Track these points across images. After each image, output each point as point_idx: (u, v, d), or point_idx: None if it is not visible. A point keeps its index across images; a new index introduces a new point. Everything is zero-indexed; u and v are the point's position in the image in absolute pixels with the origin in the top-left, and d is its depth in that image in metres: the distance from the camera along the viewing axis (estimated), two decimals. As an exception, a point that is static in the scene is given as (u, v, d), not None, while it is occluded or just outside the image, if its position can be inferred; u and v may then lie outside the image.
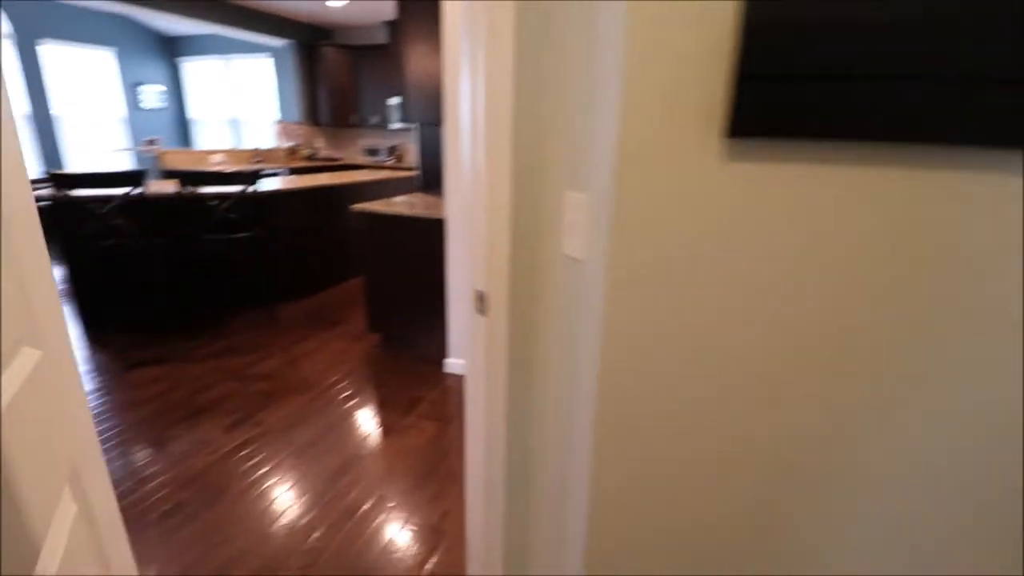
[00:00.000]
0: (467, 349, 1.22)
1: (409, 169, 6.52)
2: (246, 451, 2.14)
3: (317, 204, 4.07)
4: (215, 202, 3.16)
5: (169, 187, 3.31)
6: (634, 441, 0.80)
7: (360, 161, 7.08)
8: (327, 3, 5.64)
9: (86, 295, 3.07)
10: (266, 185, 3.83)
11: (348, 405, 2.50)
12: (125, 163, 6.65)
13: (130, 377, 2.73)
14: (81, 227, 3.00)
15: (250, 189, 3.20)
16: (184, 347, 3.10)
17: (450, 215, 2.60)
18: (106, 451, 2.12)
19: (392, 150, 7.00)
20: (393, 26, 6.34)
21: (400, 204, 2.96)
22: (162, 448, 2.14)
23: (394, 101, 6.55)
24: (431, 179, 3.49)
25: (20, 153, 0.75)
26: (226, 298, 3.82)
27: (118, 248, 3.03)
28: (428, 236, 2.75)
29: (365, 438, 2.26)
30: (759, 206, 0.66)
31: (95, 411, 2.39)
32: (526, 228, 1.04)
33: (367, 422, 2.37)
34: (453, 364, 2.85)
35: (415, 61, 2.79)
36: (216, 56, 7.93)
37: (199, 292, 3.45)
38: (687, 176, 0.67)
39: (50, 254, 0.80)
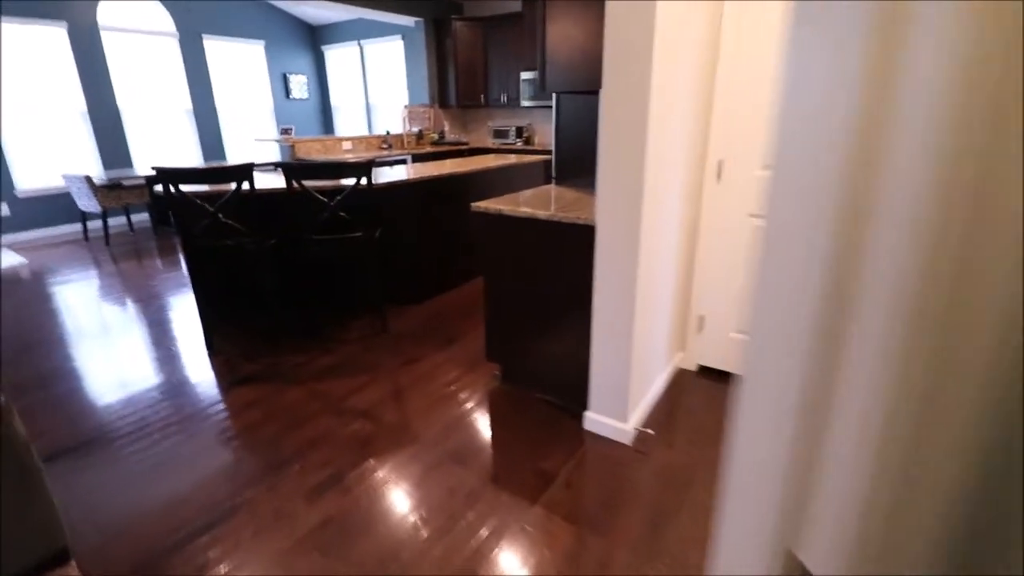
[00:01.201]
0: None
1: (541, 152, 5.84)
2: (326, 534, 1.63)
3: (437, 196, 3.55)
4: (324, 199, 2.75)
5: (279, 182, 2.98)
6: None
7: (488, 144, 6.57)
8: (457, -32, 5.08)
9: (202, 296, 2.87)
10: (382, 176, 3.39)
11: (453, 478, 1.90)
12: (268, 153, 6.88)
13: (229, 399, 2.44)
14: (195, 225, 2.77)
15: (363, 182, 2.73)
16: (289, 362, 2.77)
17: (605, 219, 1.84)
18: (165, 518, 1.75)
19: (521, 131, 6.37)
20: (527, -11, 5.64)
21: (530, 201, 2.27)
22: (230, 516, 1.72)
23: (527, 76, 5.87)
24: (568, 166, 2.74)
25: None
26: (338, 302, 3.49)
27: (228, 248, 2.76)
28: (568, 246, 2.03)
29: (466, 547, 1.63)
30: None
31: (183, 445, 2.09)
32: None
33: (474, 516, 1.74)
34: (596, 421, 2.12)
35: (558, 17, 2.03)
36: (353, 42, 7.92)
37: (309, 296, 3.13)
38: None
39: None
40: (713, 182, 2.31)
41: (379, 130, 8.09)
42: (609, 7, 1.61)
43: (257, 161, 6.60)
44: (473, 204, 2.25)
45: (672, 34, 1.69)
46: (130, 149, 6.41)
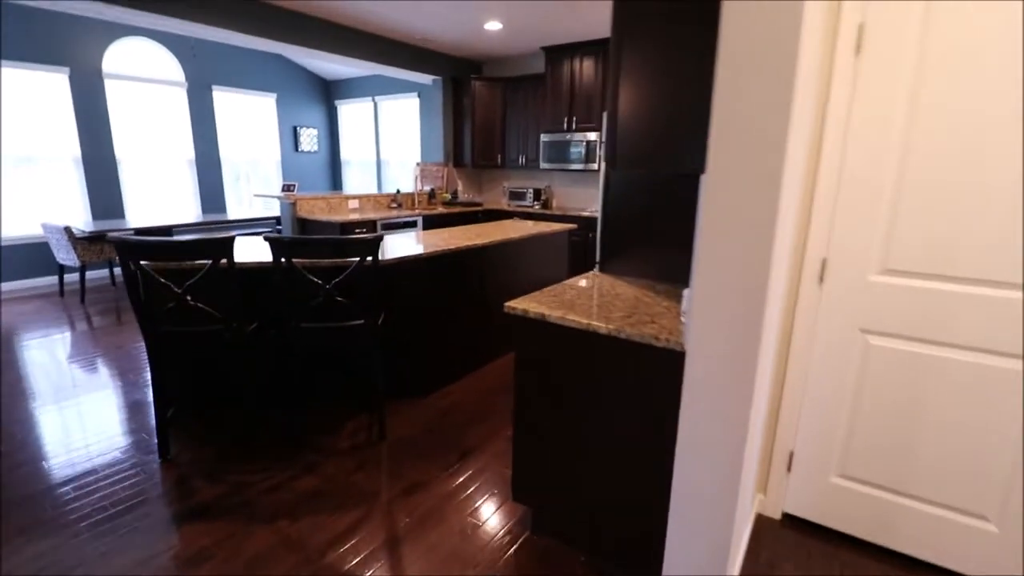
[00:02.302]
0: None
1: (560, 218, 5.44)
2: None
3: (451, 269, 3.07)
4: (319, 280, 2.26)
5: (265, 253, 2.51)
6: None
7: (503, 205, 6.20)
8: (484, 26, 4.86)
9: (160, 391, 2.32)
10: (388, 245, 2.92)
11: None
12: (268, 209, 6.52)
13: (174, 540, 1.84)
14: (157, 306, 2.28)
15: (368, 260, 2.25)
16: (260, 482, 2.19)
17: (704, 343, 1.32)
18: None
19: (539, 193, 6.01)
20: (552, 53, 5.44)
21: (579, 303, 1.77)
22: None
23: (547, 137, 5.57)
24: (615, 250, 2.26)
25: None
26: (328, 398, 2.93)
27: (196, 337, 2.25)
28: (639, 370, 1.51)
29: None
30: None
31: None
32: None
33: None
34: (669, 616, 1.52)
35: (636, 80, 1.61)
36: (368, 98, 7.75)
37: (293, 392, 2.59)
38: None
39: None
40: (812, 286, 1.82)
41: (389, 187, 7.79)
42: (724, 63, 1.16)
43: (256, 216, 6.23)
44: (507, 305, 1.74)
45: (799, 100, 1.24)
46: (124, 199, 6.04)
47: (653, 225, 2.11)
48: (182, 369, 2.72)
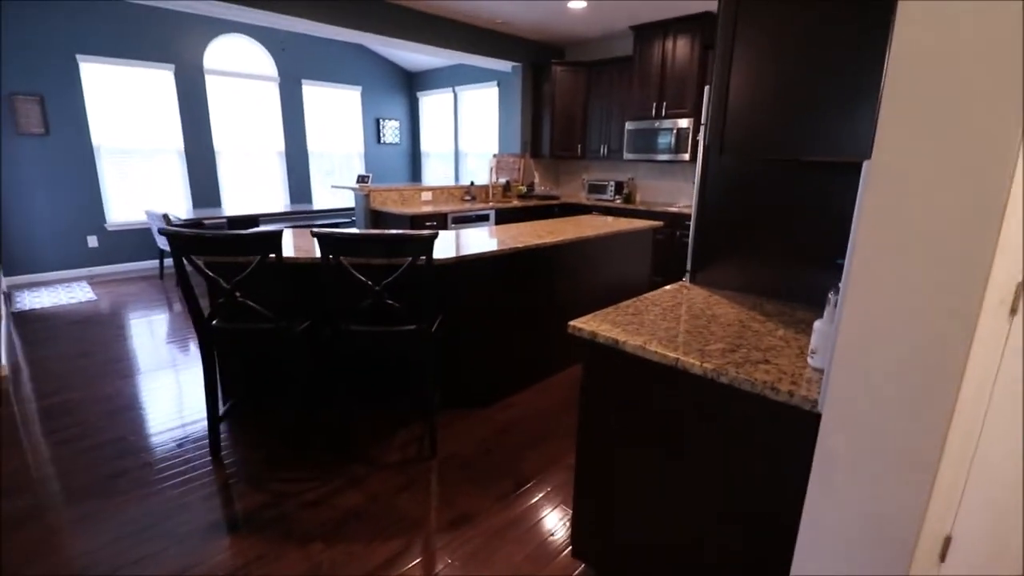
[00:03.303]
0: None
1: (644, 214, 4.97)
2: None
3: (518, 270, 2.79)
4: (369, 281, 2.07)
5: (315, 252, 2.37)
6: None
7: (581, 199, 5.82)
8: (568, 5, 4.50)
9: (212, 391, 2.25)
10: (452, 240, 2.69)
11: None
12: (345, 199, 6.60)
13: (211, 551, 1.73)
14: (211, 301, 2.20)
15: (421, 259, 2.03)
16: (303, 493, 2.04)
17: (851, 401, 0.93)
18: None
19: (620, 187, 5.56)
20: (641, 32, 4.95)
21: (662, 325, 1.41)
22: None
23: (632, 125, 5.10)
24: (714, 252, 1.85)
25: None
26: (381, 404, 2.76)
27: (246, 334, 2.15)
28: (748, 423, 1.13)
29: None
30: None
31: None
32: None
33: None
34: None
35: (749, 64, 1.21)
36: (448, 88, 7.65)
37: (345, 394, 2.44)
38: None
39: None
40: (1000, 317, 1.32)
41: (467, 179, 7.67)
42: (906, 9, 0.76)
43: (338, 207, 6.34)
44: (571, 324, 1.42)
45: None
46: (220, 189, 6.38)
47: (761, 228, 1.69)
48: (235, 365, 2.67)
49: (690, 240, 1.89)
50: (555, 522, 1.92)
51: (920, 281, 0.82)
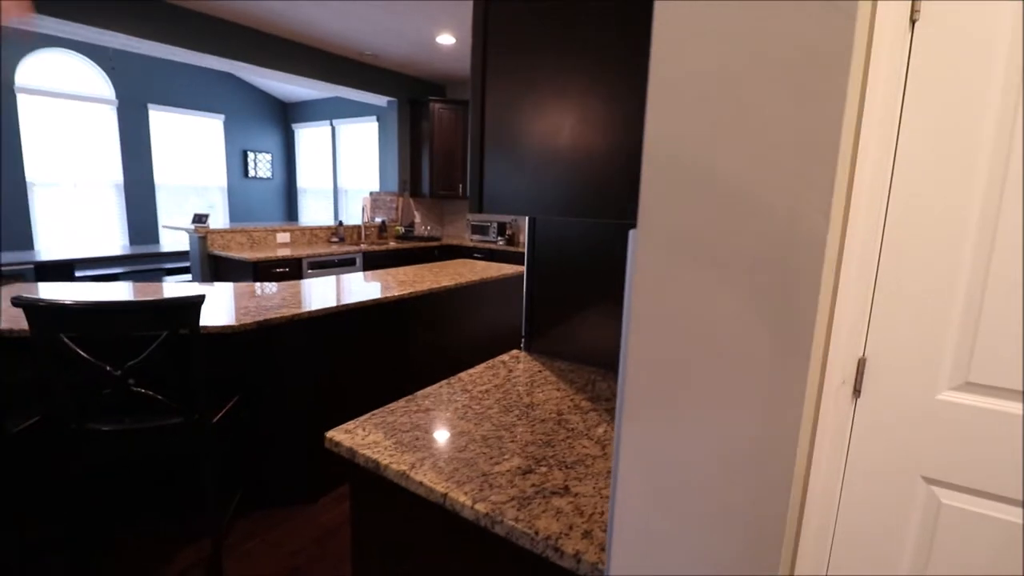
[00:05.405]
0: None
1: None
2: None
3: (358, 329, 2.36)
4: (112, 360, 1.54)
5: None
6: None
7: (466, 240, 5.54)
8: (437, 40, 4.29)
9: None
10: (270, 305, 2.20)
11: None
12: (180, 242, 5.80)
13: None
14: None
15: (182, 331, 1.53)
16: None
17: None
18: None
19: (503, 228, 5.36)
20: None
21: (454, 417, 1.06)
22: None
23: (511, 167, 4.94)
24: (546, 319, 1.57)
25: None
26: (152, 521, 2.14)
27: None
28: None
29: None
30: None
31: None
32: None
33: None
34: None
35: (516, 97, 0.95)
36: (326, 122, 7.17)
37: (90, 517, 1.83)
38: None
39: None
40: (842, 398, 1.12)
41: (348, 219, 7.12)
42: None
43: (184, 249, 5.50)
44: (327, 436, 1.03)
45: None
46: (34, 227, 5.31)
47: (593, 290, 1.43)
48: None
49: (523, 308, 1.60)
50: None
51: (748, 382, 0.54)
